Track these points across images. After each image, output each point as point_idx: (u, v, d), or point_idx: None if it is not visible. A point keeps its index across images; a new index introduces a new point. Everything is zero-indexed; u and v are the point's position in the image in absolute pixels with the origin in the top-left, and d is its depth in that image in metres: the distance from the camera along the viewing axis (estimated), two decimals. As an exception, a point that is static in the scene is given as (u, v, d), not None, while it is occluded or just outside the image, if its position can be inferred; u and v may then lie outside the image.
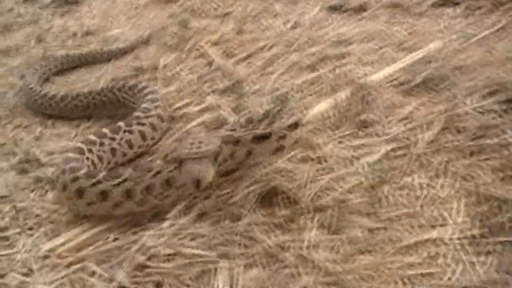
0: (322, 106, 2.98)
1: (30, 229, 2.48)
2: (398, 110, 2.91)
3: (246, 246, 2.12)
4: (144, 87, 3.40)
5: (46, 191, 2.76)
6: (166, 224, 2.22)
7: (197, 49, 4.09)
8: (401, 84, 3.15)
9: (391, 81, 3.18)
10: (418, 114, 2.84)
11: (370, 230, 2.17)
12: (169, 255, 2.09)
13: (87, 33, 4.67)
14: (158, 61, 3.97)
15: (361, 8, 4.27)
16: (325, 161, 2.58)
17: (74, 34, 4.64)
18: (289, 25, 4.22)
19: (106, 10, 5.06)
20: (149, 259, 2.07)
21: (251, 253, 2.08)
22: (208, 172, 2.03)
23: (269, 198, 2.35)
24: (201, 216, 2.30)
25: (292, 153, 2.61)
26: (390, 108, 2.92)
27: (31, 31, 4.93)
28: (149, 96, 3.17)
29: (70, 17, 5.00)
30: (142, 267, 2.04)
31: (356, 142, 2.72)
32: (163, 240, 2.16)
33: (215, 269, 2.00)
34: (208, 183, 2.05)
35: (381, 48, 3.63)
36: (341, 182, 2.44)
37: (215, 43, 4.12)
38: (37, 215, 2.56)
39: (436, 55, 3.30)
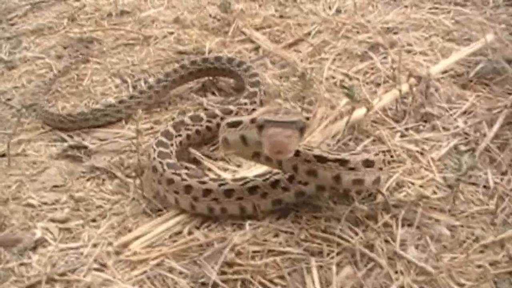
0: (387, 97, 2.96)
1: (94, 221, 2.42)
2: (458, 104, 2.95)
3: (332, 243, 2.12)
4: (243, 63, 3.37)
5: (103, 180, 2.69)
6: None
7: (242, 33, 4.02)
8: (458, 75, 3.18)
9: (447, 72, 3.21)
10: (478, 109, 2.87)
11: (452, 228, 2.18)
12: (255, 252, 2.08)
13: (122, 13, 4.47)
14: (202, 45, 3.89)
15: (403, -6, 4.24)
16: (394, 154, 2.59)
17: (109, 14, 4.43)
18: (332, 11, 4.20)
19: None
20: (237, 256, 2.03)
21: (339, 250, 2.09)
22: (293, 140, 1.80)
23: (346, 191, 2.35)
24: (278, 211, 2.28)
25: (363, 144, 2.63)
26: (450, 102, 2.95)
27: (61, 9, 4.69)
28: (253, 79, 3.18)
29: (101, -6, 4.88)
30: (229, 264, 2.01)
31: (421, 135, 2.73)
32: (248, 237, 2.16)
33: (307, 268, 1.99)
34: (291, 153, 1.83)
35: (429, 37, 3.64)
36: (414, 176, 2.47)
37: (259, 27, 4.06)
38: (98, 206, 2.50)
39: (488, 48, 3.31)
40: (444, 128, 2.76)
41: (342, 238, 2.12)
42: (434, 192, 2.36)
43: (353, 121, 2.72)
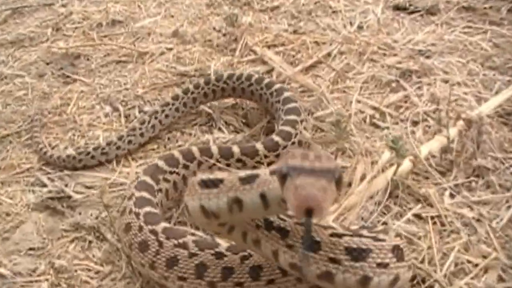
0: (432, 145, 2.48)
1: None
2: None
3: None
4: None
5: (90, 243, 2.28)
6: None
7: (251, 52, 3.50)
8: (507, 114, 2.69)
9: (497, 111, 2.70)
10: None
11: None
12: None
13: (114, 23, 3.98)
14: (206, 65, 3.39)
15: (430, 10, 3.76)
16: (445, 221, 2.12)
17: (99, 24, 3.96)
18: (353, 27, 3.66)
19: None
20: None
21: None
22: (328, 194, 1.27)
23: None
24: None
25: (411, 212, 2.16)
26: (503, 150, 2.46)
27: (45, 16, 4.22)
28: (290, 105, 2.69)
29: (90, 1, 4.35)
30: None
31: (475, 196, 2.24)
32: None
33: None
34: (325, 212, 1.28)
35: (467, 63, 3.14)
36: (473, 254, 1.98)
37: (270, 45, 3.53)
38: (84, 282, 2.07)
39: None
40: (501, 186, 2.27)
41: None
42: (501, 278, 1.88)
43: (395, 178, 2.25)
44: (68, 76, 3.46)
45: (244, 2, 4.06)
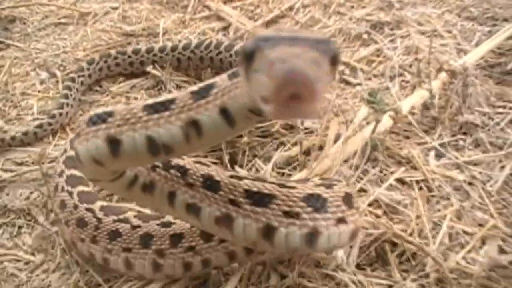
0: (412, 101, 2.15)
1: None
2: (502, 108, 2.15)
3: None
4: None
5: (19, 229, 1.90)
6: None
7: (205, 8, 3.16)
8: (490, 67, 2.39)
9: (478, 64, 2.39)
10: None
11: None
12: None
13: None
14: (155, 24, 3.04)
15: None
16: (433, 186, 1.80)
17: None
18: None
19: None
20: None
21: None
22: (323, 72, 0.85)
23: (378, 254, 1.58)
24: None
25: (393, 176, 1.82)
26: (490, 104, 2.16)
27: None
28: None
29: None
30: None
31: (465, 155, 1.93)
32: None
33: None
34: (321, 101, 0.84)
35: (442, 14, 2.83)
36: (468, 222, 1.67)
37: (227, 1, 3.20)
38: (11, 275, 1.72)
39: None
40: (492, 144, 1.98)
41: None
42: (502, 250, 1.57)
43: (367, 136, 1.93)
44: (1, 42, 3.06)
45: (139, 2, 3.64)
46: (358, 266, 1.54)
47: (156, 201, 1.36)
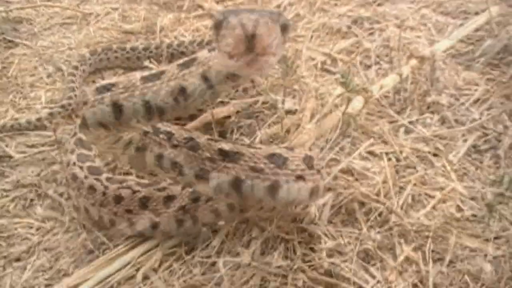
0: (384, 84, 2.34)
1: (18, 260, 1.84)
2: (468, 90, 2.34)
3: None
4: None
5: (31, 201, 2.10)
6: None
7: (199, 7, 3.35)
8: (460, 55, 2.58)
9: (446, 51, 2.59)
10: (494, 96, 2.28)
11: (493, 259, 1.60)
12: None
13: None
14: (152, 23, 3.23)
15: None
16: (401, 157, 1.99)
17: None
18: None
19: None
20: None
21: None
22: (274, 34, 1.13)
23: (348, 212, 1.78)
24: (265, 243, 1.68)
25: (362, 146, 2.02)
26: (457, 87, 2.35)
27: None
28: None
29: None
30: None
31: (430, 131, 2.12)
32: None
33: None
34: (274, 54, 1.14)
35: (419, 9, 3.02)
36: (430, 186, 1.87)
37: (219, 0, 3.39)
38: (24, 239, 1.92)
39: (493, 22, 2.69)
40: (456, 121, 2.17)
41: (355, 284, 1.52)
42: (459, 209, 1.79)
43: (347, 115, 2.11)
44: (10, 41, 3.24)
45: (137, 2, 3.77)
46: (330, 222, 1.72)
47: (148, 162, 1.56)
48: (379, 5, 3.10)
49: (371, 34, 2.84)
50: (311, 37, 2.86)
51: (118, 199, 1.81)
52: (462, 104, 2.25)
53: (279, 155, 1.47)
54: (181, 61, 1.39)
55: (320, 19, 3.02)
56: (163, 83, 1.35)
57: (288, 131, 2.12)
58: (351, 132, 2.09)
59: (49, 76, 2.90)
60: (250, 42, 1.04)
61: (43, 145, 2.39)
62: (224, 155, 1.45)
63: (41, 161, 2.27)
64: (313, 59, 2.66)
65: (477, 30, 2.71)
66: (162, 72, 1.37)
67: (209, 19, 3.17)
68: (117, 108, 1.36)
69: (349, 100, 2.07)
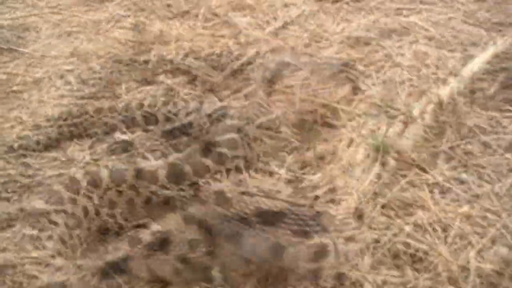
0: (410, 136, 2.12)
1: None
2: (495, 135, 2.14)
3: None
4: None
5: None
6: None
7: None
8: (472, 93, 2.38)
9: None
10: None
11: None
12: None
13: (2, 50, 3.23)
14: (116, 83, 2.83)
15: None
16: (446, 225, 1.76)
17: None
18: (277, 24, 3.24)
19: (20, 16, 3.54)
20: None
21: None
22: None
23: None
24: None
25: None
26: (483, 132, 2.15)
27: None
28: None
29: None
30: None
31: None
32: None
33: None
34: None
35: (410, 45, 2.83)
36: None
37: (189, 52, 2.98)
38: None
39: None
40: (495, 172, 1.95)
41: None
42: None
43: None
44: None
45: (149, 11, 3.50)
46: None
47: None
48: (366, 44, 2.89)
49: (367, 77, 2.60)
50: (302, 85, 2.53)
51: None
52: (495, 151, 2.04)
53: (325, 216, 1.33)
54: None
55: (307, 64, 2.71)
56: None
57: (322, 158, 2.00)
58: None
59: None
60: None
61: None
62: (262, 217, 1.29)
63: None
64: (311, 112, 2.36)
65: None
66: None
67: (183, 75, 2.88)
68: None
69: (383, 165, 1.91)
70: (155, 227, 1.23)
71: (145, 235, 1.21)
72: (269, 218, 1.28)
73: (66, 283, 1.18)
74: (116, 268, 1.15)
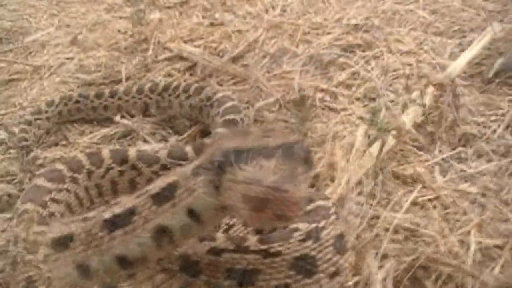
0: (410, 116, 2.12)
1: None
2: (494, 115, 2.18)
3: None
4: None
5: None
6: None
7: (166, 49, 3.01)
8: (470, 77, 2.45)
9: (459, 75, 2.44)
10: None
11: None
12: None
13: (0, 40, 3.36)
14: (116, 71, 2.89)
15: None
16: (448, 202, 1.76)
17: None
18: (276, 11, 3.30)
19: (17, 8, 3.74)
20: None
21: None
22: (301, 183, 0.88)
23: (412, 281, 1.48)
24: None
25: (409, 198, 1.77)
26: (480, 113, 2.20)
27: None
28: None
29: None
30: None
31: (472, 167, 1.90)
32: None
33: None
34: (299, 213, 0.89)
35: (408, 32, 2.89)
36: (497, 235, 1.61)
37: (187, 40, 3.08)
38: None
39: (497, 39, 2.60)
40: (494, 152, 1.95)
41: None
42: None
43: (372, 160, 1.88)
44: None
45: (148, 1, 3.54)
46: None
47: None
48: (365, 31, 2.93)
49: (366, 62, 2.66)
50: (301, 71, 2.63)
51: None
52: (494, 131, 2.07)
53: (307, 259, 1.19)
54: (153, 189, 1.10)
55: (306, 51, 2.79)
56: (136, 228, 1.07)
57: (321, 138, 2.02)
58: (383, 179, 1.84)
59: (2, 143, 2.44)
60: (271, 208, 0.80)
61: (2, 231, 1.89)
62: (237, 278, 1.16)
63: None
64: (310, 96, 2.39)
65: (483, 48, 2.58)
66: (131, 211, 1.08)
67: (181, 62, 2.88)
68: (83, 269, 1.10)
69: (383, 144, 1.87)
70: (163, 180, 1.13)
71: (153, 187, 1.11)
72: (243, 281, 1.17)
73: (74, 234, 1.13)
74: (123, 219, 1.10)
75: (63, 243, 1.12)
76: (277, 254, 1.17)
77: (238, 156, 0.84)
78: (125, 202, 1.10)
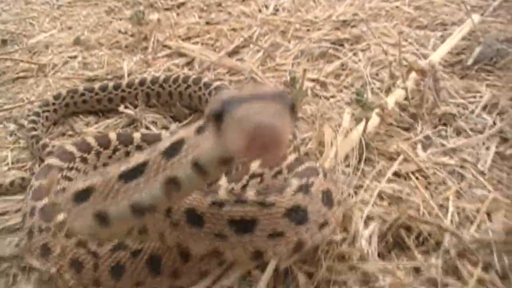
0: (390, 100, 2.20)
1: None
2: (472, 98, 2.30)
3: None
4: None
5: (14, 278, 1.69)
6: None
7: (165, 47, 3.14)
8: (450, 65, 2.58)
9: (440, 63, 2.55)
10: (502, 100, 2.24)
11: None
12: None
13: (4, 42, 3.46)
14: (117, 67, 2.99)
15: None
16: (428, 173, 1.85)
17: None
18: (269, 10, 3.47)
19: (20, 12, 3.88)
20: None
21: None
22: (287, 123, 0.95)
23: (396, 240, 1.58)
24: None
25: (391, 169, 1.88)
26: (461, 96, 2.32)
27: None
28: None
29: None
30: None
31: (451, 142, 2.02)
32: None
33: None
34: (284, 147, 0.95)
35: (394, 26, 3.03)
36: (469, 200, 1.72)
37: (185, 38, 3.21)
38: None
39: (477, 30, 2.72)
40: (472, 130, 2.08)
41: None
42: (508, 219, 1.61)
43: (358, 136, 1.96)
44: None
45: (147, 4, 3.72)
46: (379, 255, 1.52)
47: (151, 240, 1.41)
48: (353, 26, 3.08)
49: (354, 54, 2.78)
50: (293, 64, 2.77)
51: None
52: (472, 112, 2.20)
53: (299, 209, 1.30)
54: (162, 146, 1.18)
55: (297, 46, 2.94)
56: (149, 179, 1.15)
57: (311, 118, 2.10)
58: (368, 155, 1.95)
59: (11, 134, 2.53)
60: (262, 140, 0.87)
61: (16, 211, 1.94)
62: (236, 227, 1.28)
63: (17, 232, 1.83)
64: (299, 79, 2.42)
65: (462, 39, 2.72)
66: (143, 164, 1.17)
67: (180, 58, 2.99)
68: (101, 217, 1.18)
69: (367, 120, 1.94)
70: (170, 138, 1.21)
71: (162, 144, 1.19)
72: (244, 228, 1.27)
73: (94, 186, 1.24)
74: (136, 171, 1.21)
75: (83, 196, 1.20)
76: (272, 204, 1.28)
77: (235, 103, 0.92)
78: (138, 157, 1.19)
